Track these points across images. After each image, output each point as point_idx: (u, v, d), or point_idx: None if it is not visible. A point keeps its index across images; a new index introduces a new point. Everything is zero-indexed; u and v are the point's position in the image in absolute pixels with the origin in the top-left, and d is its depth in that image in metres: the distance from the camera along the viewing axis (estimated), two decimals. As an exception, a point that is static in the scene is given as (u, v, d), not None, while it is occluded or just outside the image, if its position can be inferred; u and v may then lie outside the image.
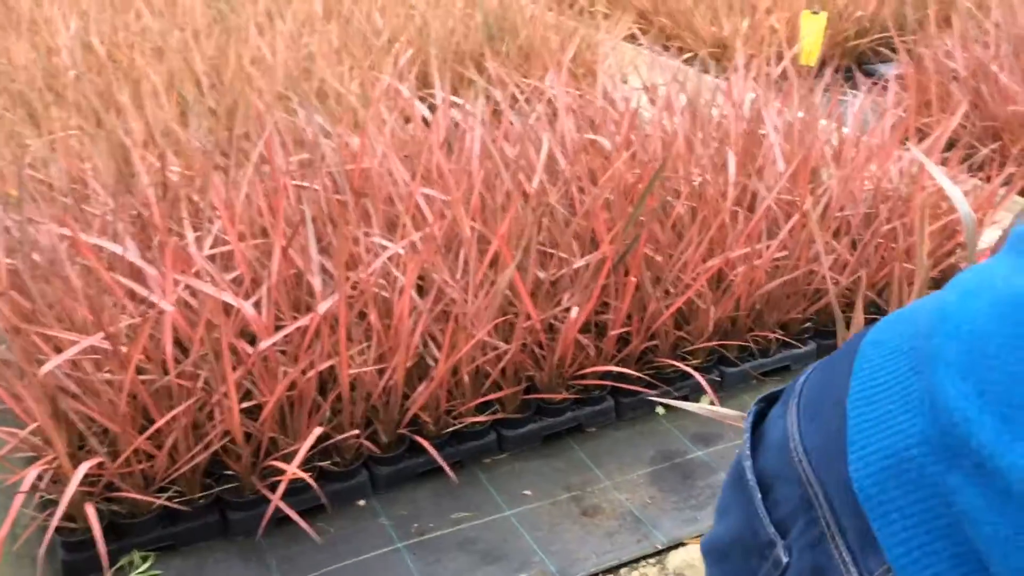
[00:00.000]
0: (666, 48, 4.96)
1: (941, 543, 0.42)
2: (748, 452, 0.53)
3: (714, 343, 2.54)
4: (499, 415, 2.32)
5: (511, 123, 2.82)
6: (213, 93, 3.36)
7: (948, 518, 0.42)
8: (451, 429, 2.26)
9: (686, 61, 4.51)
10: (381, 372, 2.14)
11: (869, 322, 0.77)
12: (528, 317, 2.22)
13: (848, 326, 2.03)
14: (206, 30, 3.92)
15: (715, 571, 0.56)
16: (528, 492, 2.24)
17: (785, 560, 0.50)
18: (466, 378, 2.23)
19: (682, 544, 2.09)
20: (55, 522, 1.79)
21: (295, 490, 2.04)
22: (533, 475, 2.30)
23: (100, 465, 1.88)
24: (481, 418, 2.29)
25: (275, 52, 3.61)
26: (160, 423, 1.90)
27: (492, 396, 2.29)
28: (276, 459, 2.03)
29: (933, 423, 0.43)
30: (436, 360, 2.17)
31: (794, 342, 2.65)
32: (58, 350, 1.93)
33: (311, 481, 2.01)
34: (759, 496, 0.52)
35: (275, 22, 3.97)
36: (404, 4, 4.43)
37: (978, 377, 0.42)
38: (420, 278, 2.27)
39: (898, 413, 0.45)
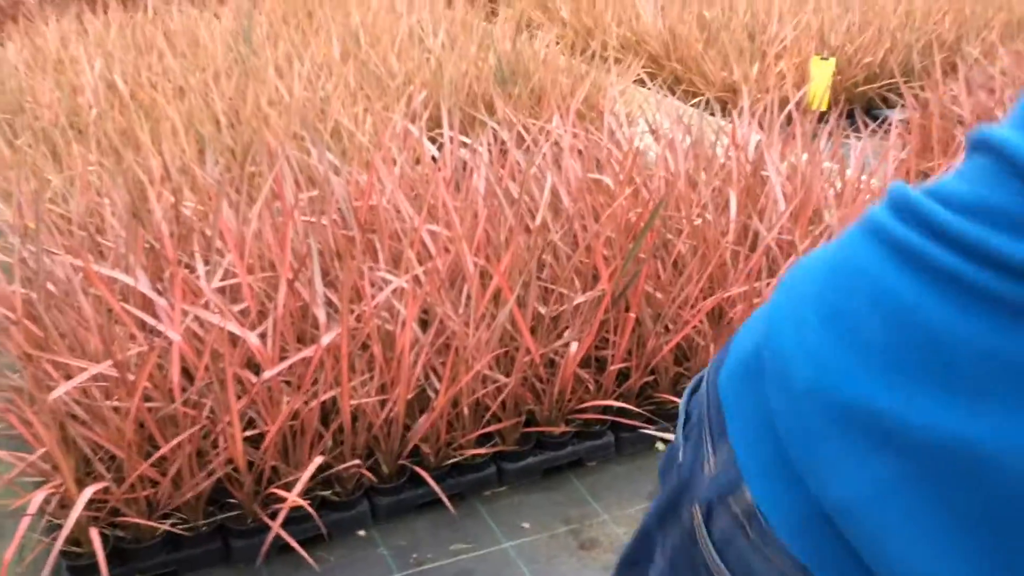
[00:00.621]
0: (672, 92, 5.04)
1: (766, 431, 0.53)
2: (689, 391, 0.66)
3: (714, 380, 2.56)
4: (499, 448, 2.36)
5: (517, 162, 2.88)
6: (231, 132, 3.46)
7: (768, 414, 0.52)
8: (451, 461, 2.29)
9: (694, 105, 4.58)
10: (383, 403, 2.18)
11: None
12: (528, 351, 2.26)
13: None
14: (227, 71, 4.04)
15: (662, 487, 0.69)
16: (526, 525, 2.27)
17: (681, 458, 0.62)
18: (466, 410, 2.27)
19: (678, 578, 2.10)
20: (59, 545, 1.83)
21: (296, 519, 2.07)
22: (532, 508, 2.33)
23: (106, 490, 1.93)
24: (481, 451, 2.32)
25: (292, 93, 3.71)
26: (165, 450, 1.95)
27: (492, 428, 2.32)
28: (278, 487, 2.06)
29: (764, 337, 0.54)
30: (437, 392, 2.21)
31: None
32: (68, 377, 1.98)
33: (311, 510, 2.04)
34: (682, 420, 0.65)
35: (294, 64, 4.07)
36: (420, 47, 4.54)
37: (793, 297, 0.54)
38: (423, 311, 2.32)
39: (755, 333, 0.57)
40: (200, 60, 4.23)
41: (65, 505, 1.94)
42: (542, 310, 2.37)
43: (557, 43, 5.18)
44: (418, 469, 2.21)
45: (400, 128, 3.25)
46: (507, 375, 2.29)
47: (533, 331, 2.32)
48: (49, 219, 2.57)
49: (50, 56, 4.37)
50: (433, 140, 3.45)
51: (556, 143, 3.16)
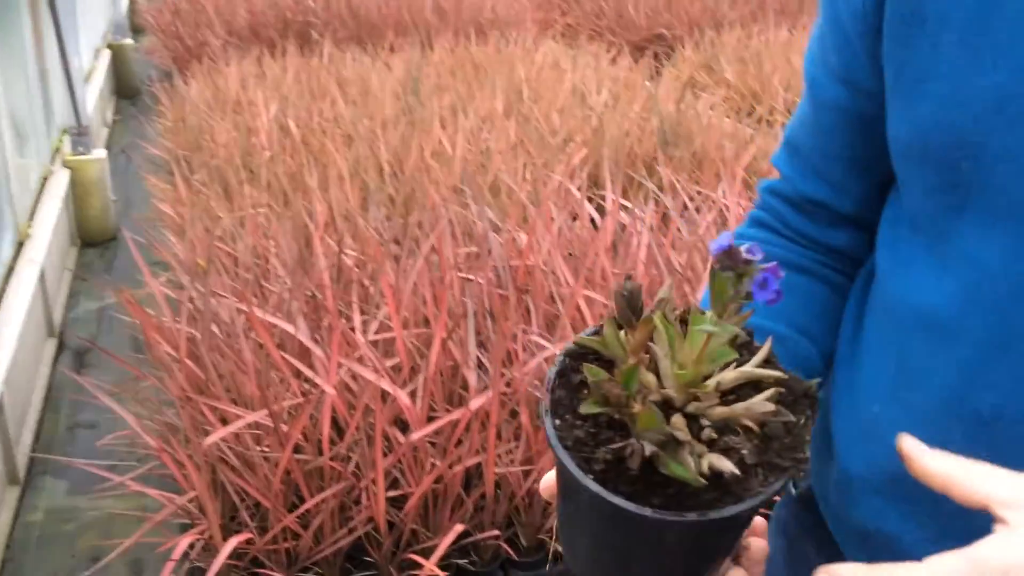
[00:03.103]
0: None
1: None
2: None
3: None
4: (644, 531, 2.24)
5: (679, 230, 2.79)
6: (394, 181, 3.51)
7: None
8: (593, 540, 2.19)
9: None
10: (527, 474, 2.11)
11: None
12: (683, 433, 2.15)
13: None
14: (393, 120, 4.12)
15: None
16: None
17: None
18: (613, 489, 2.17)
19: None
20: (201, 591, 1.83)
21: (431, 586, 2.02)
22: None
23: (248, 541, 1.93)
24: (625, 532, 2.21)
25: (455, 146, 3.74)
26: (311, 503, 1.94)
27: (638, 511, 2.21)
28: (415, 552, 2.02)
29: None
30: (584, 468, 2.12)
31: None
32: (224, 421, 2.00)
33: (447, 579, 1.98)
34: None
35: (458, 117, 4.12)
36: (582, 106, 4.52)
37: None
38: (575, 382, 2.24)
39: None
40: (369, 108, 4.33)
41: (208, 550, 1.95)
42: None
43: (717, 106, 5.08)
44: (557, 545, 2.12)
45: (559, 187, 3.21)
46: (658, 456, 2.18)
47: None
48: (218, 259, 2.64)
49: (229, 97, 4.57)
50: (591, 200, 3.39)
51: (721, 211, 3.05)
